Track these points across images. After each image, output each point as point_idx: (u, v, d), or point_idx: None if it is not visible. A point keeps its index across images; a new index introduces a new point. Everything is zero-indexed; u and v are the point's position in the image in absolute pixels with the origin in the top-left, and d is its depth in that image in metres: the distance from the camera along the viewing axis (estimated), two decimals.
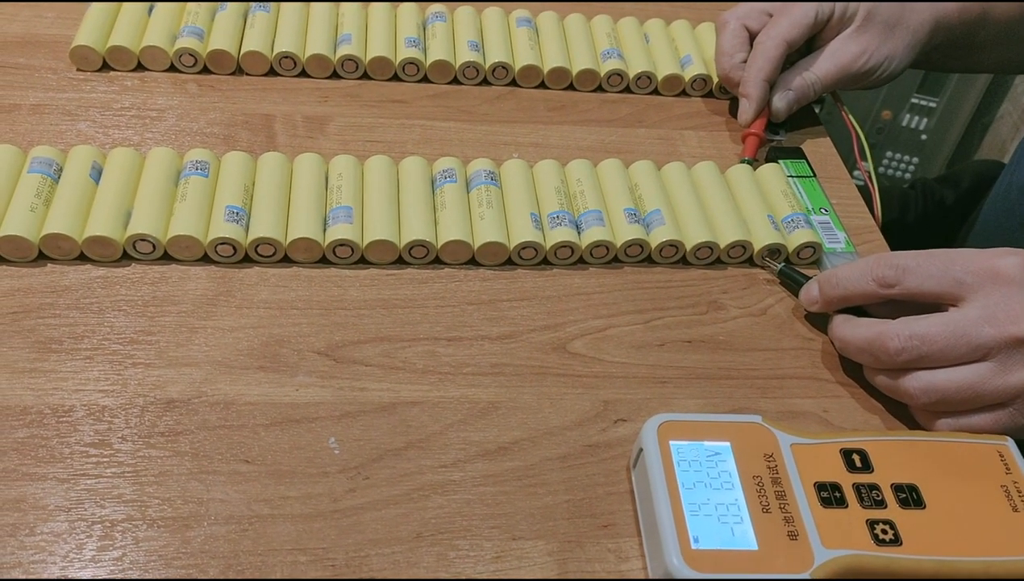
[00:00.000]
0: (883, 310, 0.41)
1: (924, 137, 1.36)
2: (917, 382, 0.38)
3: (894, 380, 0.39)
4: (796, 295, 0.45)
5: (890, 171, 1.41)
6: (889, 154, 1.39)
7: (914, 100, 1.33)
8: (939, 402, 0.38)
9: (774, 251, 0.46)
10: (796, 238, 0.46)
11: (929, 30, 0.54)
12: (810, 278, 0.44)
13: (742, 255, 0.46)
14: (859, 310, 0.42)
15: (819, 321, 0.45)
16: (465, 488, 0.36)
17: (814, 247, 0.46)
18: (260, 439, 0.36)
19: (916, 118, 1.34)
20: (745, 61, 0.54)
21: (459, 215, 0.44)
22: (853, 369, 0.42)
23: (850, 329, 0.41)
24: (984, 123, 1.32)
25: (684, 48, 0.59)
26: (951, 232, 0.75)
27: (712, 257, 0.46)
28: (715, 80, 0.57)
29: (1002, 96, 1.29)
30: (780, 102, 0.53)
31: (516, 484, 0.37)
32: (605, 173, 0.48)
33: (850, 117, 0.55)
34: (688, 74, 0.57)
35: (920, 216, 0.78)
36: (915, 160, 1.39)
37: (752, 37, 0.55)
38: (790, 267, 0.46)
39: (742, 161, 0.52)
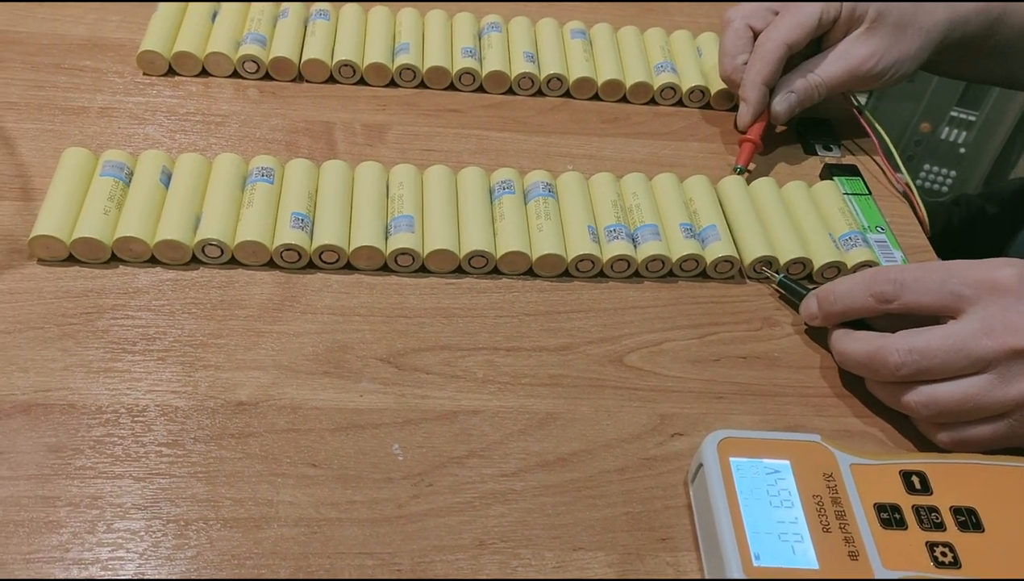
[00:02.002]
0: (883, 321, 0.41)
1: (963, 150, 1.35)
2: (918, 396, 0.38)
3: (896, 393, 0.40)
4: (796, 306, 0.45)
5: (927, 184, 1.40)
6: (927, 167, 1.38)
7: (953, 113, 1.32)
8: (940, 414, 0.38)
9: (767, 262, 0.46)
10: (853, 257, 0.46)
11: (943, 31, 0.52)
12: (809, 289, 0.44)
13: (801, 272, 0.47)
14: (860, 320, 0.42)
15: None
16: (526, 498, 0.37)
17: (871, 266, 0.47)
18: (326, 444, 0.37)
19: (955, 131, 1.33)
20: (747, 63, 0.53)
21: (518, 226, 0.45)
22: None
23: (850, 343, 0.41)
24: None
25: None
26: (996, 248, 0.74)
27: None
28: None
29: None
30: (781, 105, 0.52)
31: (575, 495, 0.37)
32: (660, 187, 0.49)
33: (870, 121, 0.54)
34: None
35: (965, 231, 0.77)
36: (953, 173, 1.38)
37: (756, 37, 0.53)
38: (789, 277, 0.45)
39: (735, 169, 0.52)
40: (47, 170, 0.46)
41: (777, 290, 0.46)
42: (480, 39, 0.58)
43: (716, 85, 0.57)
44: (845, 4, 0.51)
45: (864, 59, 0.51)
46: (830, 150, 0.56)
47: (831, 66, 0.52)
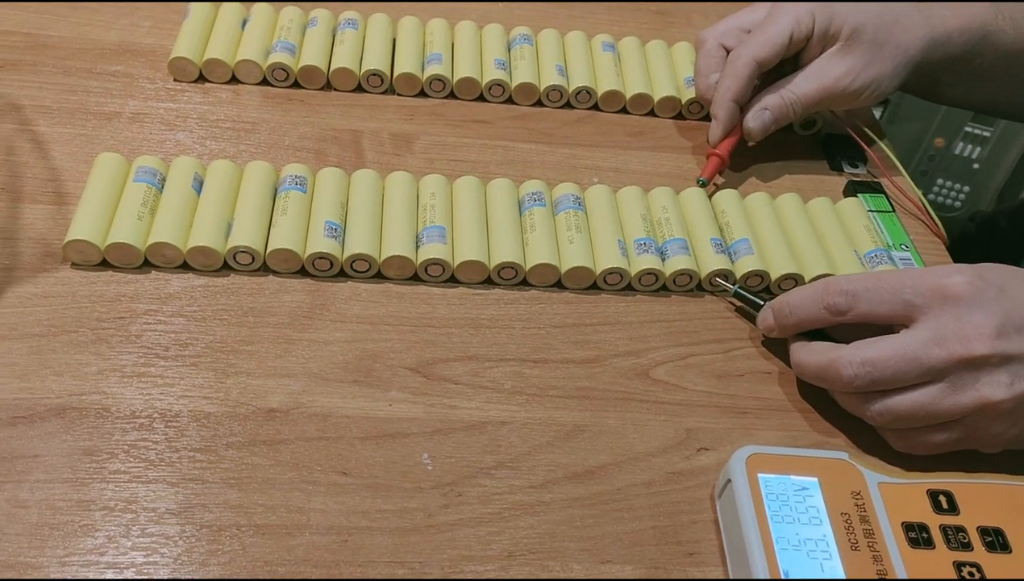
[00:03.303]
0: (841, 328, 0.42)
1: (976, 166, 1.35)
2: (873, 405, 0.39)
3: (852, 402, 0.40)
4: (752, 317, 0.45)
5: (940, 199, 1.40)
6: (940, 182, 1.38)
7: (968, 129, 1.32)
8: (895, 422, 0.39)
9: (724, 274, 0.46)
10: None
11: (922, 49, 0.51)
12: (765, 299, 0.44)
13: None
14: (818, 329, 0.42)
15: None
16: (554, 510, 0.37)
17: None
18: (356, 452, 0.38)
19: (969, 147, 1.33)
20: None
21: (548, 238, 0.45)
22: None
23: (805, 355, 0.41)
24: None
25: None
26: (1012, 263, 0.74)
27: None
28: None
29: None
30: (754, 122, 0.52)
31: (603, 508, 0.37)
32: (688, 201, 0.49)
33: (869, 138, 0.54)
34: None
35: (979, 248, 0.78)
36: (966, 189, 1.38)
37: None
38: (745, 288, 0.45)
39: (698, 181, 0.51)
40: (80, 174, 0.47)
41: (732, 302, 0.46)
42: (510, 51, 0.58)
43: None
44: (818, 22, 0.51)
45: (839, 77, 0.51)
46: (856, 167, 0.56)
47: (806, 84, 0.51)
